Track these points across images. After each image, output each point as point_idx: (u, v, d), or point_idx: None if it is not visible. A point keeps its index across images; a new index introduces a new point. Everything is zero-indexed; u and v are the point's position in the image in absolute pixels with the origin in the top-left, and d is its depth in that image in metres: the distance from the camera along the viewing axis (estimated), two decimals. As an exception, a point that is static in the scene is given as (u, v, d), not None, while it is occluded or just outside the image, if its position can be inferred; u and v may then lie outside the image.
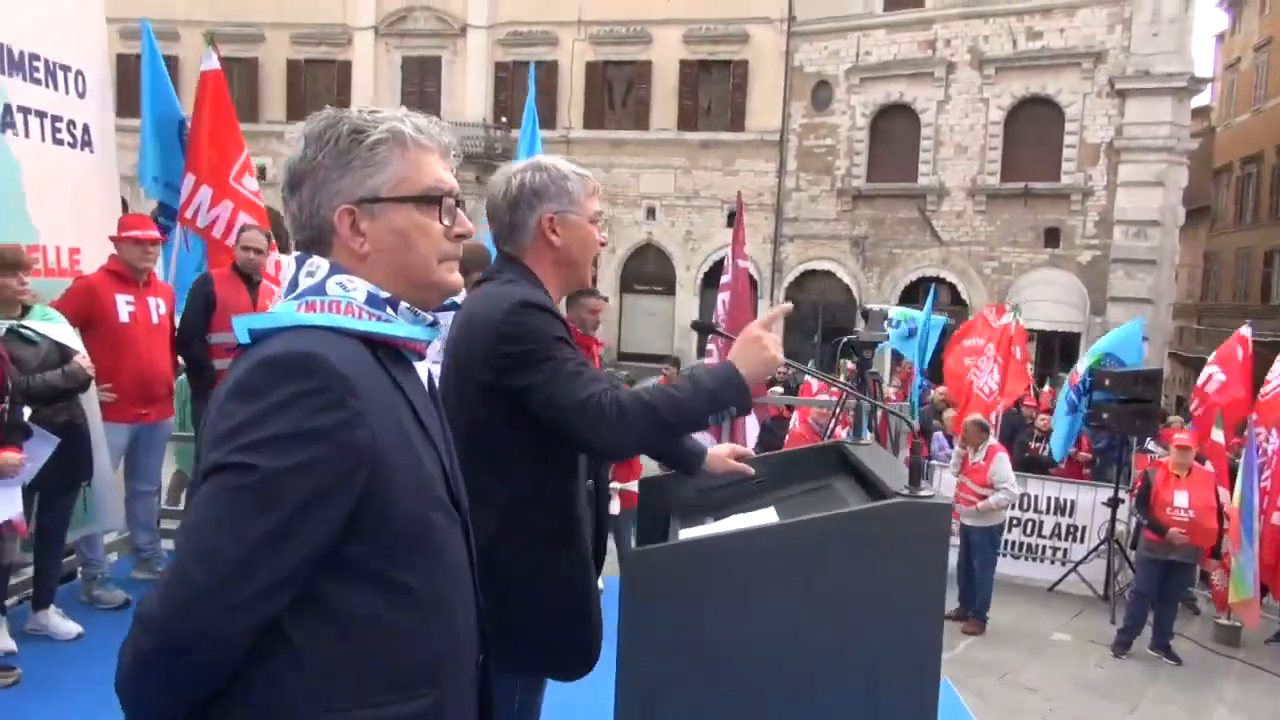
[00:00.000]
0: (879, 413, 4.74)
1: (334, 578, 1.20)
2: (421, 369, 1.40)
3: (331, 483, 1.15)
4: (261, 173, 28.13)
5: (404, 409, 1.28)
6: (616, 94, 25.75)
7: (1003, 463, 7.54)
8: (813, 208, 24.21)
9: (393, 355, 1.30)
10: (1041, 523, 9.28)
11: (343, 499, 1.17)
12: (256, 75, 26.88)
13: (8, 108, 4.27)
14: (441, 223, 1.33)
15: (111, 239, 4.49)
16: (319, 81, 26.88)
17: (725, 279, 5.81)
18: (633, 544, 1.85)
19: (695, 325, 2.43)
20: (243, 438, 1.13)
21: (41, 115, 4.45)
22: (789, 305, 1.76)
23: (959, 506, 7.70)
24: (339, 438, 1.15)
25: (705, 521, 2.14)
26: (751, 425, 5.71)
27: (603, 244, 2.12)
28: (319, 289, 1.28)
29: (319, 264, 1.31)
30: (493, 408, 1.88)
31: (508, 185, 2.03)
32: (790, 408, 9.16)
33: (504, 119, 25.05)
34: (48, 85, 4.49)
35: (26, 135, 4.38)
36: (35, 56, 4.42)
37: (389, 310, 1.29)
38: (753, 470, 2.25)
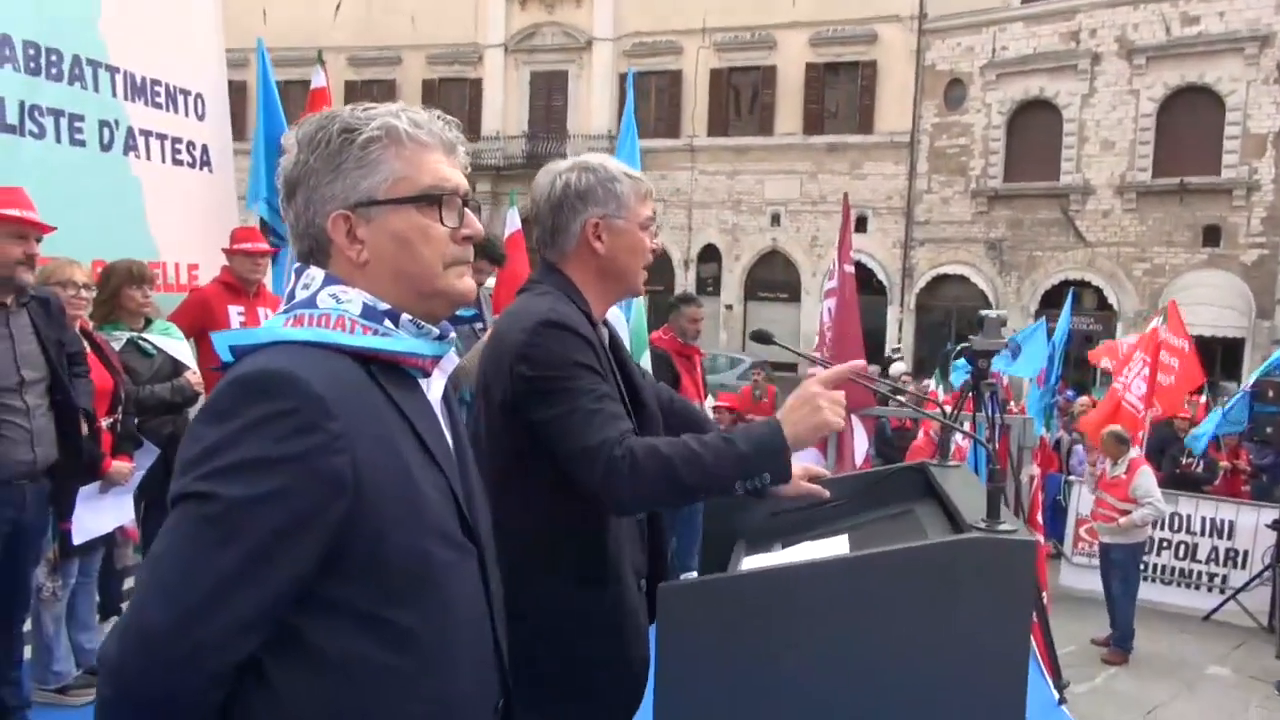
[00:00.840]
0: (999, 425, 4.40)
1: (317, 618, 1.10)
2: (437, 386, 1.29)
3: (303, 514, 1.06)
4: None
5: (402, 431, 1.17)
6: (741, 100, 25.53)
7: (1147, 476, 6.99)
8: (945, 210, 23.30)
9: (392, 373, 1.19)
10: (1196, 545, 8.53)
11: (318, 532, 1.07)
12: (394, 96, 27.99)
13: (130, 131, 4.50)
14: (444, 224, 1.22)
15: (224, 251, 4.66)
16: (452, 99, 27.75)
17: (830, 285, 5.54)
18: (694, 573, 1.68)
19: (755, 335, 2.22)
20: (207, 464, 1.05)
21: (162, 137, 4.66)
22: (861, 363, 1.54)
23: (1099, 523, 7.16)
24: (312, 464, 1.06)
25: (773, 549, 1.96)
26: (860, 439, 5.42)
27: (655, 252, 1.96)
28: (310, 302, 1.19)
29: (314, 275, 1.22)
30: (516, 433, 1.75)
31: (551, 186, 1.90)
32: (915, 419, 8.74)
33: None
34: (168, 109, 4.71)
35: (148, 157, 4.60)
36: (157, 82, 4.64)
37: (387, 323, 1.19)
38: (827, 494, 2.06)
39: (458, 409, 1.38)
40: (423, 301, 1.22)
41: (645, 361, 5.25)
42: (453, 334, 1.29)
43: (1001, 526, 1.45)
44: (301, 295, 1.20)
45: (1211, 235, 20.15)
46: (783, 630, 1.47)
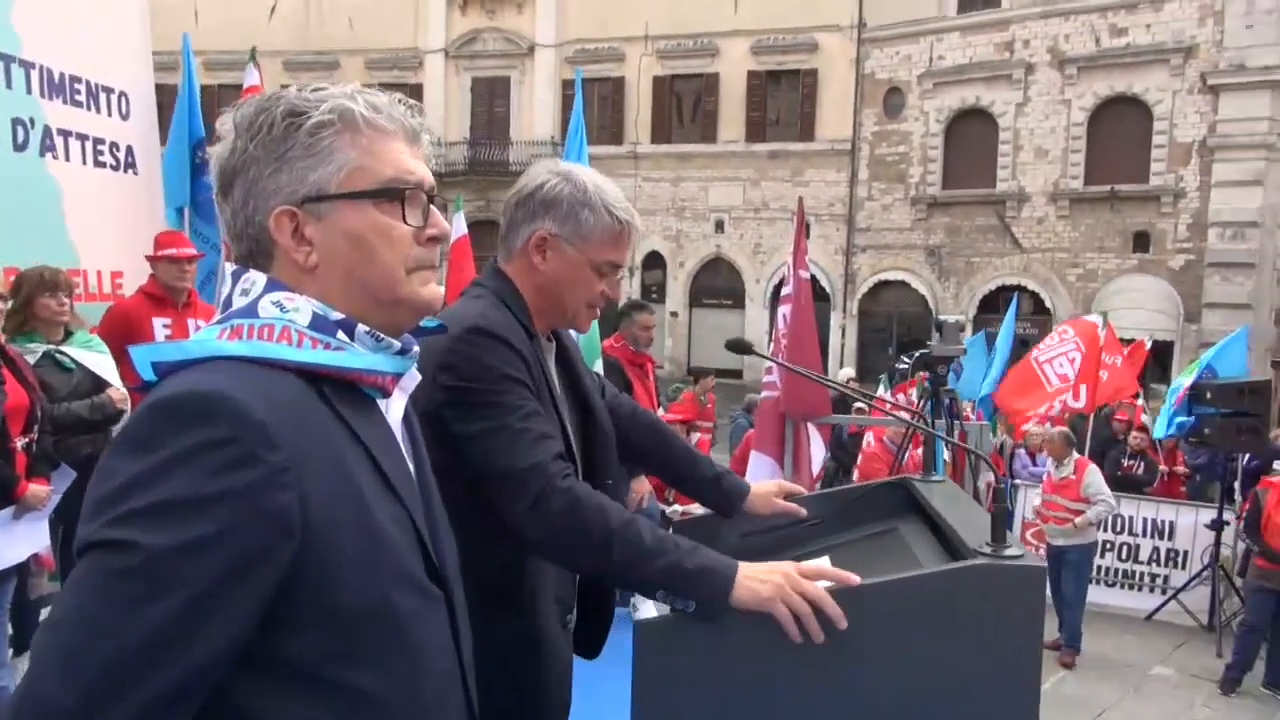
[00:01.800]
0: (957, 431, 4.36)
1: (258, 682, 0.93)
2: (398, 407, 1.13)
3: (241, 563, 0.88)
4: (336, 195, 29.01)
5: (358, 461, 1.00)
6: (684, 108, 25.57)
7: (1096, 474, 7.09)
8: (886, 217, 23.58)
9: (346, 393, 1.03)
10: (1138, 546, 8.65)
11: (258, 583, 0.89)
12: (331, 100, 27.44)
13: (47, 130, 4.22)
14: (408, 223, 1.06)
15: (147, 258, 4.39)
16: (391, 104, 27.31)
17: (786, 291, 5.46)
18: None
19: (731, 345, 2.09)
20: (123, 505, 0.86)
21: (83, 137, 4.39)
22: (856, 579, 1.35)
23: (1049, 526, 7.21)
24: (252, 503, 0.88)
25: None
26: (817, 448, 5.34)
27: (608, 300, 1.77)
28: (250, 310, 1.02)
29: (254, 280, 1.04)
30: (433, 444, 1.60)
31: (529, 180, 1.75)
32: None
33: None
34: (89, 108, 4.44)
35: (67, 158, 4.32)
36: (77, 79, 4.37)
37: (340, 335, 1.02)
38: (804, 512, 1.94)
39: (419, 433, 1.22)
40: (382, 311, 1.06)
41: (596, 368, 5.11)
42: (415, 347, 1.12)
43: (1008, 551, 1.34)
44: (240, 303, 1.03)
45: (1141, 241, 20.68)
46: (770, 669, 1.35)
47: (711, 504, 1.98)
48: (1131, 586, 8.64)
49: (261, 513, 0.89)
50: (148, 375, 0.97)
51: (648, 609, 4.82)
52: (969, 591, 1.32)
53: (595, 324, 5.40)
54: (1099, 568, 8.42)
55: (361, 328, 1.04)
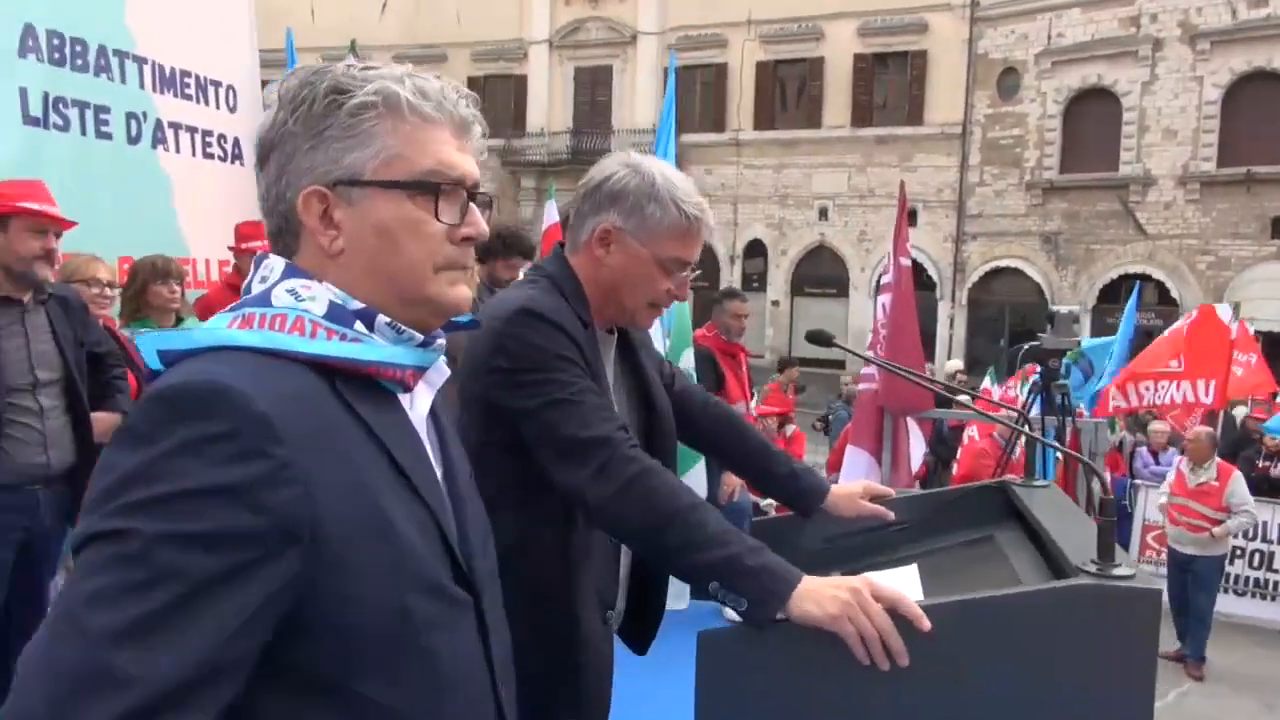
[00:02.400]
0: (1069, 428, 4.09)
1: (269, 691, 0.88)
2: (423, 402, 1.07)
3: (243, 558, 0.82)
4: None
5: (374, 459, 0.94)
6: (788, 93, 25.16)
7: (1241, 482, 6.63)
8: (999, 203, 22.68)
9: (362, 387, 0.97)
10: (1272, 554, 8.08)
11: (264, 582, 0.84)
12: (439, 93, 28.07)
13: (159, 123, 4.38)
14: (441, 220, 1.00)
15: (230, 249, 4.50)
16: (497, 96, 27.78)
17: (886, 279, 5.24)
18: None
19: (810, 336, 1.97)
20: (121, 497, 0.82)
21: (192, 130, 4.54)
22: (927, 624, 1.20)
23: (1178, 531, 6.77)
24: (253, 498, 0.83)
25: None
26: (916, 444, 5.11)
27: (677, 297, 1.71)
28: (264, 298, 0.97)
29: (273, 265, 1.00)
30: (488, 432, 1.57)
31: (598, 172, 1.70)
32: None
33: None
34: (198, 101, 4.58)
35: (177, 150, 4.48)
36: (187, 73, 4.52)
37: (358, 326, 0.97)
38: (891, 515, 1.81)
39: (451, 427, 1.16)
40: (405, 307, 1.01)
41: (688, 361, 5.01)
42: (441, 340, 1.06)
43: (1117, 570, 1.19)
44: (257, 289, 0.99)
45: (1280, 226, 19.35)
46: (845, 688, 1.24)
47: (787, 502, 1.88)
48: (1264, 596, 8.09)
49: (264, 509, 0.83)
50: (154, 364, 0.94)
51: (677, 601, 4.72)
52: (1070, 615, 1.18)
53: (687, 313, 5.33)
54: (1228, 575, 7.90)
55: (382, 318, 0.98)
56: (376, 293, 0.99)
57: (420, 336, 1.01)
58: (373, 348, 0.97)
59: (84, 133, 4.03)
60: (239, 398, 0.85)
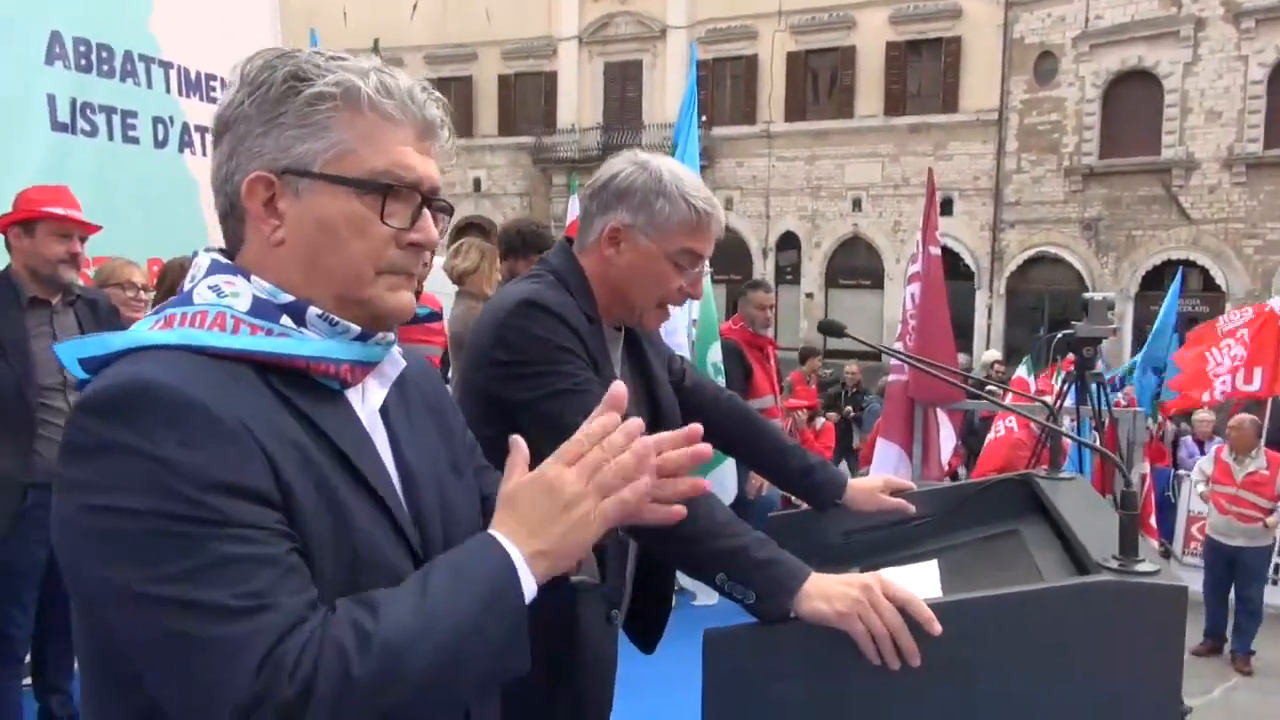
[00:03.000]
0: (1107, 419, 3.99)
1: None
2: (375, 396, 1.03)
3: (245, 478, 0.84)
4: (476, 185, 29.76)
5: (320, 452, 0.92)
6: (819, 83, 24.92)
7: None
8: (1036, 190, 22.30)
9: (299, 382, 0.94)
10: (1323, 546, 7.82)
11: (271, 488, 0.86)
12: (471, 91, 28.22)
13: (185, 127, 4.42)
14: (386, 223, 0.96)
15: None
16: (528, 93, 27.86)
17: (914, 269, 5.13)
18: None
19: (822, 326, 1.93)
20: (82, 498, 0.82)
21: (218, 133, 4.57)
22: (938, 628, 1.14)
23: (1225, 522, 6.57)
24: (219, 471, 0.83)
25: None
26: (946, 435, 5.02)
27: (689, 296, 1.69)
28: (186, 297, 0.96)
29: (201, 262, 0.98)
30: (490, 424, 1.52)
31: (605, 171, 1.69)
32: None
33: (704, 118, 24.83)
34: (224, 103, 4.61)
35: (204, 153, 4.50)
36: (212, 77, 4.55)
37: (285, 321, 0.94)
38: (912, 509, 1.76)
39: (415, 419, 1.10)
40: (341, 307, 0.98)
41: (715, 355, 4.96)
42: (389, 334, 1.03)
43: (1140, 566, 1.14)
44: (186, 288, 0.97)
45: (1331, 209, 18.82)
46: (856, 688, 1.19)
47: (804, 497, 1.85)
48: (1314, 589, 7.84)
49: (233, 485, 0.83)
50: (77, 372, 0.92)
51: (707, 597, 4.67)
52: (1090, 612, 1.12)
53: (712, 305, 5.28)
54: (1275, 565, 7.69)
55: (313, 311, 0.96)
56: (313, 287, 0.97)
57: (356, 329, 0.98)
58: (302, 342, 0.94)
59: (111, 138, 4.07)
60: (168, 390, 0.84)
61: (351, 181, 0.95)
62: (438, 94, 1.03)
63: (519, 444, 1.00)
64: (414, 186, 0.98)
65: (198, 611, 0.79)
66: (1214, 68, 19.87)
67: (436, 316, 1.15)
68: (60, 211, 3.06)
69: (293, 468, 0.88)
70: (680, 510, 0.98)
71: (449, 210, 1.07)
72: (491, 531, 0.93)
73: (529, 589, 0.90)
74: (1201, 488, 6.76)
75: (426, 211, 1.00)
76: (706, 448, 1.00)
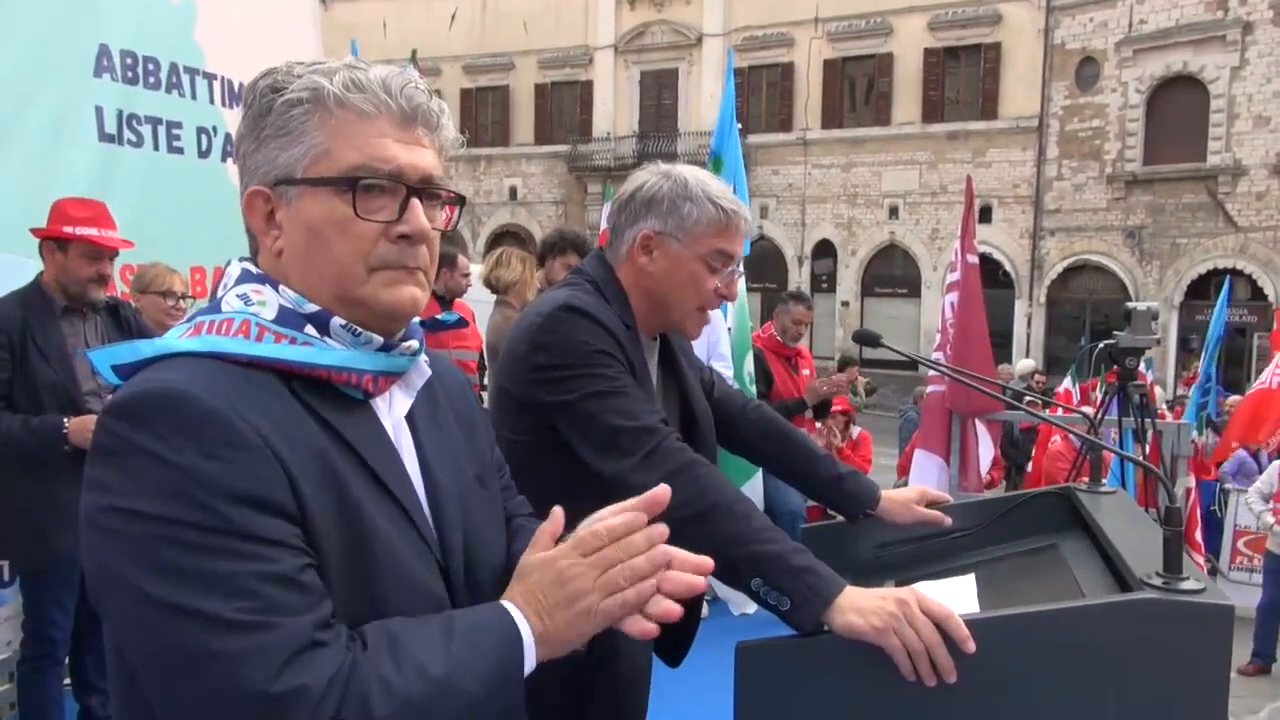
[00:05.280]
0: (1150, 430, 3.91)
1: None
2: (400, 406, 1.04)
3: (258, 491, 0.84)
4: (512, 193, 29.91)
5: (342, 459, 0.92)
6: (856, 91, 24.77)
7: None
8: (1078, 197, 21.97)
9: (323, 391, 0.94)
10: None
11: (287, 503, 0.86)
12: (508, 101, 28.45)
13: (228, 137, 4.49)
14: (361, 216, 0.95)
15: None
16: (564, 102, 28.00)
17: (953, 277, 5.07)
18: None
19: (857, 336, 1.90)
20: (112, 510, 0.83)
21: (260, 143, 4.64)
22: (971, 646, 1.13)
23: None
24: (234, 483, 0.84)
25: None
26: (985, 447, 4.95)
27: (724, 297, 1.70)
28: (215, 305, 0.98)
29: (232, 271, 1.00)
30: (525, 430, 1.57)
31: (630, 184, 1.72)
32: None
33: (740, 125, 24.77)
34: (265, 114, 4.68)
35: (246, 163, 4.58)
36: (254, 87, 4.62)
37: (309, 330, 0.95)
38: (948, 521, 1.74)
39: (442, 430, 1.11)
40: (346, 309, 0.97)
41: (750, 366, 4.93)
42: (413, 343, 1.03)
43: (1185, 585, 1.11)
44: (218, 295, 0.99)
45: (1385, 216, 18.33)
46: (890, 705, 1.18)
47: (835, 507, 1.84)
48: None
49: (247, 497, 0.83)
50: (111, 379, 0.94)
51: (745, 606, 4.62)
52: (1133, 631, 1.09)
53: (746, 314, 5.25)
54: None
55: (337, 321, 0.96)
56: (319, 294, 0.97)
57: (379, 339, 0.98)
58: (324, 351, 0.95)
59: (156, 148, 4.15)
60: (190, 398, 0.85)
61: (328, 181, 0.95)
62: (418, 80, 1.01)
63: (556, 516, 1.01)
64: (394, 177, 0.96)
65: (198, 621, 0.79)
66: (1262, 72, 19.46)
67: (464, 323, 1.15)
68: (95, 234, 3.08)
69: (312, 478, 0.89)
70: (652, 629, 0.97)
71: (459, 200, 1.05)
72: (506, 604, 0.94)
73: (529, 668, 0.91)
74: (1259, 506, 6.56)
75: (415, 202, 0.98)
76: (704, 568, 0.99)
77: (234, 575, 0.81)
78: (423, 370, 1.06)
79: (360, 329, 0.97)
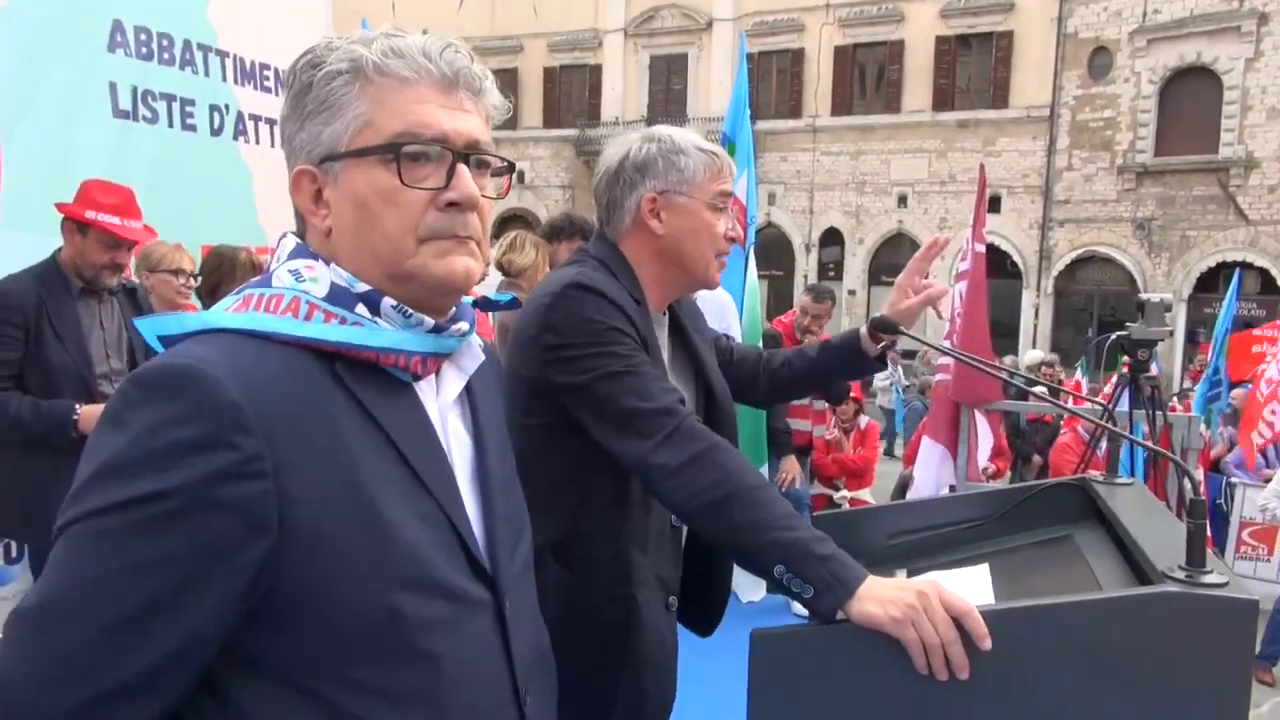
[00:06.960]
0: (1160, 421, 3.90)
1: (247, 685, 0.86)
2: (453, 388, 1.02)
3: (199, 552, 0.81)
4: (520, 177, 29.85)
5: (374, 447, 0.90)
6: (866, 77, 24.63)
7: None
8: (1088, 188, 21.86)
9: (368, 373, 0.92)
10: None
11: (224, 577, 0.82)
12: (516, 84, 28.33)
13: (240, 115, 4.48)
14: (406, 184, 0.92)
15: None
16: (572, 85, 27.90)
17: (963, 266, 5.06)
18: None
19: (876, 322, 1.89)
20: (91, 484, 0.82)
21: (271, 122, 4.63)
22: (988, 643, 1.14)
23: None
24: (207, 492, 0.80)
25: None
26: (985, 435, 4.93)
27: (731, 239, 1.71)
28: (266, 279, 0.95)
29: (285, 245, 0.98)
30: (537, 413, 1.56)
31: (612, 157, 1.72)
32: (1056, 413, 8.08)
33: (750, 111, 24.64)
34: (277, 93, 4.67)
35: (257, 141, 4.58)
36: (266, 66, 4.61)
37: (360, 310, 0.92)
38: (947, 289, 1.77)
39: (496, 413, 1.11)
40: (396, 285, 0.95)
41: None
42: (462, 324, 1.00)
43: (1207, 578, 1.11)
44: (271, 268, 0.97)
45: (1397, 211, 18.22)
46: (904, 696, 1.18)
47: (858, 357, 1.89)
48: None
49: (221, 504, 0.81)
50: (157, 348, 0.92)
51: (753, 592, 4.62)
52: (1154, 625, 1.09)
53: (758, 301, 5.24)
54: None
55: (388, 302, 0.93)
56: (368, 272, 0.94)
57: (430, 321, 0.96)
58: (375, 332, 0.92)
59: (170, 125, 4.14)
60: (207, 383, 0.82)
61: (372, 150, 0.93)
62: (459, 44, 0.98)
63: None
64: (439, 142, 0.94)
65: (52, 614, 0.79)
66: (1277, 64, 19.32)
67: (517, 303, 1.14)
68: (117, 224, 3.05)
69: (327, 478, 0.86)
70: None
71: (510, 168, 1.03)
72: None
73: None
74: (1274, 503, 6.53)
75: (462, 168, 0.95)
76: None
77: (141, 588, 0.80)
78: (475, 353, 1.04)
79: (411, 310, 0.94)
